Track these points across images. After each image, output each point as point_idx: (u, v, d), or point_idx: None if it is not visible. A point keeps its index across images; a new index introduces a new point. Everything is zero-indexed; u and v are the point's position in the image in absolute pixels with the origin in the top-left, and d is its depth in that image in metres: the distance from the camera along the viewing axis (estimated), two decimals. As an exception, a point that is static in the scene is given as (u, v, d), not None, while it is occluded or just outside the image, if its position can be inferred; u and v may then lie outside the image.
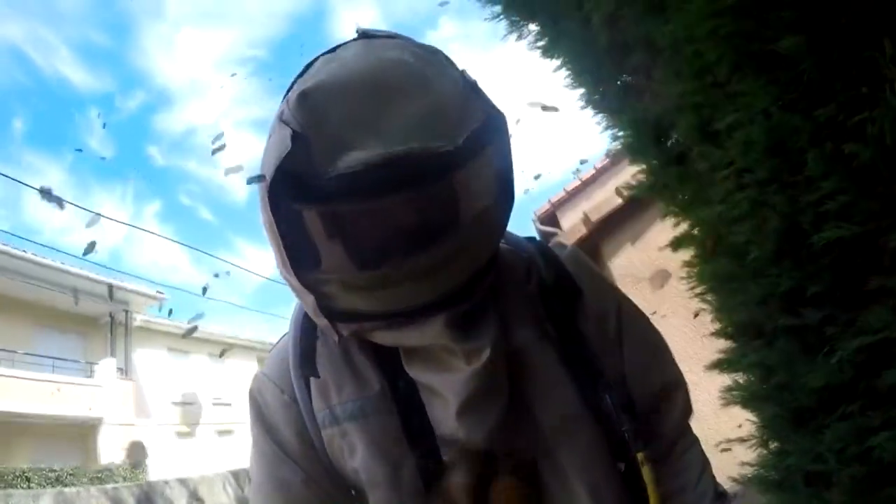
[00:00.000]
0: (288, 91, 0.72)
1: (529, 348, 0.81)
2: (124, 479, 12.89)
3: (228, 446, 17.90)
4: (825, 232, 1.02)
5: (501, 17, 2.95)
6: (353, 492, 0.85)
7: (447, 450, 0.78)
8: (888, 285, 0.96)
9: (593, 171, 4.56)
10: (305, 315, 0.86)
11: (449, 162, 0.66)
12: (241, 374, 20.43)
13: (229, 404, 19.08)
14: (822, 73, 0.90)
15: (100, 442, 15.05)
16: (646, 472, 0.81)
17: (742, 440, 1.76)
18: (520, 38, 3.01)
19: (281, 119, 0.67)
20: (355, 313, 0.76)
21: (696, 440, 0.94)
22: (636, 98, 2.12)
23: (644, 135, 2.14)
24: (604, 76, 2.27)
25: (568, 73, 2.71)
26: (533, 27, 2.87)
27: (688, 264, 1.98)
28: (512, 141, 0.76)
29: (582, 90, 2.70)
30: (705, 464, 0.92)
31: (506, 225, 0.81)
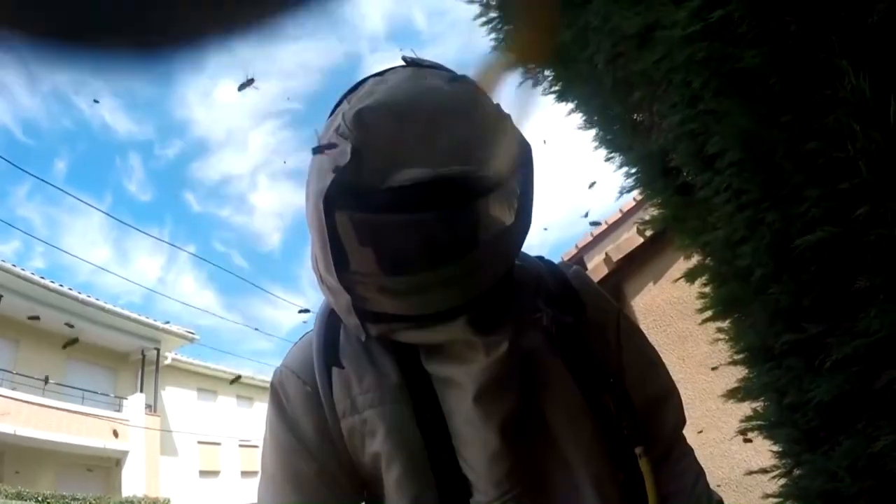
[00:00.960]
0: (336, 107, 0.83)
1: (538, 351, 0.87)
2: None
3: (252, 487, 17.90)
4: (806, 236, 1.04)
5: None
6: (364, 491, 0.90)
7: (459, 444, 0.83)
8: (876, 283, 0.97)
9: (619, 214, 4.58)
10: (330, 311, 0.92)
11: (485, 185, 0.75)
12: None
13: (256, 446, 19.29)
14: (786, 82, 0.94)
15: (123, 475, 15.25)
16: (643, 465, 0.87)
17: (765, 471, 1.72)
18: (535, 84, 3.13)
19: (338, 132, 0.75)
20: (385, 315, 0.83)
21: (691, 450, 0.98)
22: (644, 134, 2.18)
23: (652, 168, 2.19)
24: (613, 115, 2.34)
25: (581, 115, 2.80)
26: (547, 72, 2.98)
27: (701, 294, 1.99)
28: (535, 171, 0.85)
29: (594, 131, 2.78)
30: (700, 472, 0.96)
31: (522, 242, 0.88)
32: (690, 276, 2.10)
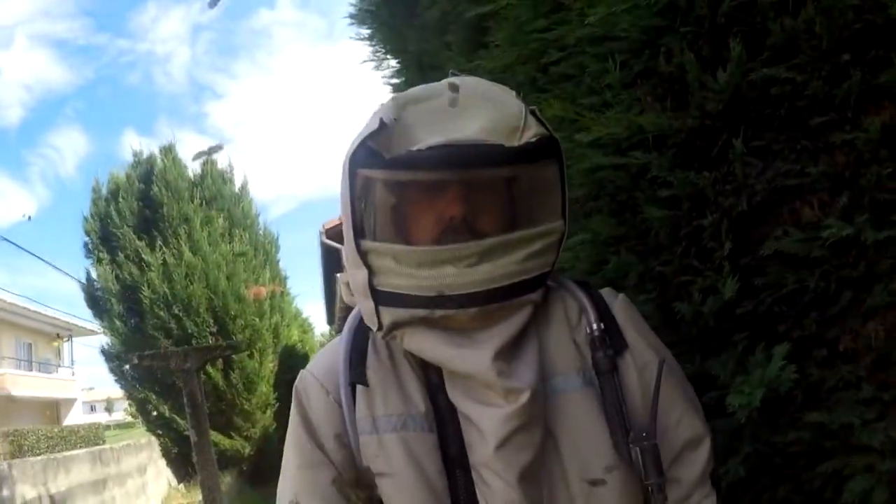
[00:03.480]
0: None
1: (570, 395, 0.86)
2: None
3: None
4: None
5: (367, 41, 3.02)
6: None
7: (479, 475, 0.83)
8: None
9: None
10: (360, 323, 0.92)
11: (501, 158, 0.80)
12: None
13: None
14: (668, 236, 1.16)
15: None
16: None
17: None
18: (378, 68, 3.11)
19: (376, 112, 0.84)
20: (399, 297, 0.81)
21: (713, 492, 0.93)
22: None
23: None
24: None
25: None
26: (393, 63, 2.99)
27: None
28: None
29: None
30: None
31: (557, 248, 0.87)
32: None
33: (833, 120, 1.01)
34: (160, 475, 16.58)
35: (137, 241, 14.11)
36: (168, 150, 15.74)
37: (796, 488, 1.14)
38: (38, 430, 15.50)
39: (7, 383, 19.24)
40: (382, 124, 0.80)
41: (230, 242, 15.17)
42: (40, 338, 23.45)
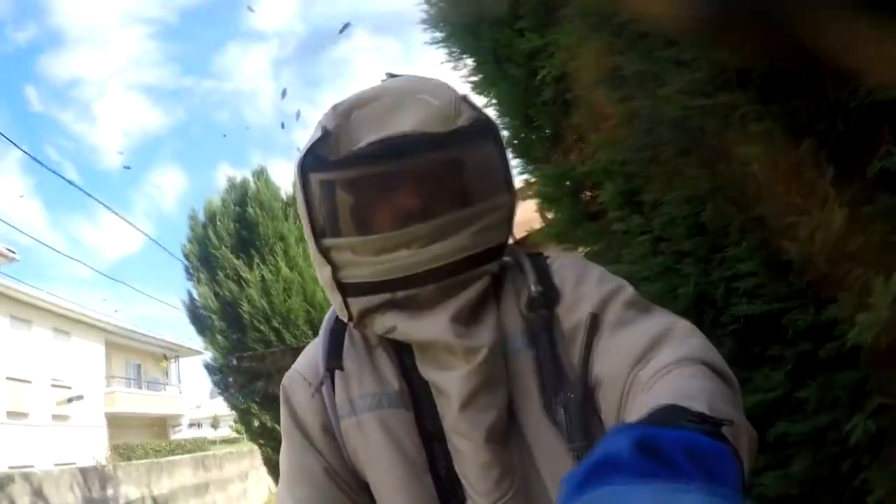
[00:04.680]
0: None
1: (518, 358, 0.87)
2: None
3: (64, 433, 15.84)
4: (737, 307, 1.24)
5: (441, 44, 3.09)
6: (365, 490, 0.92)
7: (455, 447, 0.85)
8: (785, 354, 1.18)
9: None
10: (336, 318, 0.96)
11: (437, 143, 0.85)
12: (86, 355, 18.50)
13: (70, 387, 17.18)
14: (766, 175, 1.11)
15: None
16: None
17: None
18: (455, 68, 3.16)
19: (319, 121, 0.90)
20: (362, 286, 0.86)
21: (704, 368, 0.72)
22: (563, 152, 2.33)
23: (561, 187, 2.36)
24: (536, 126, 2.46)
25: (496, 113, 2.89)
26: (469, 62, 3.03)
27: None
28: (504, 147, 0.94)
29: (504, 133, 2.89)
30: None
31: (508, 221, 0.91)
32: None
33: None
34: (261, 481, 17.29)
35: (235, 260, 14.89)
36: (260, 174, 16.56)
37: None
38: (147, 444, 16.57)
39: (117, 401, 20.62)
40: (326, 132, 0.87)
41: (325, 256, 15.73)
42: (148, 358, 25.04)
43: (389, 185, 0.87)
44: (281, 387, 0.99)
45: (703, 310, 1.39)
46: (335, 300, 0.90)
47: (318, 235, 0.87)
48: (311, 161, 0.87)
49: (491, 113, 2.92)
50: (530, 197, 2.73)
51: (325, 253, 0.87)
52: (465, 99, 0.90)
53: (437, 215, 0.85)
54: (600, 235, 1.95)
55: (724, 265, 1.31)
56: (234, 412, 16.58)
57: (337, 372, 0.92)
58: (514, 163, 2.97)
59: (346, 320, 0.91)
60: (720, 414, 0.55)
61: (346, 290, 0.88)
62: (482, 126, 0.90)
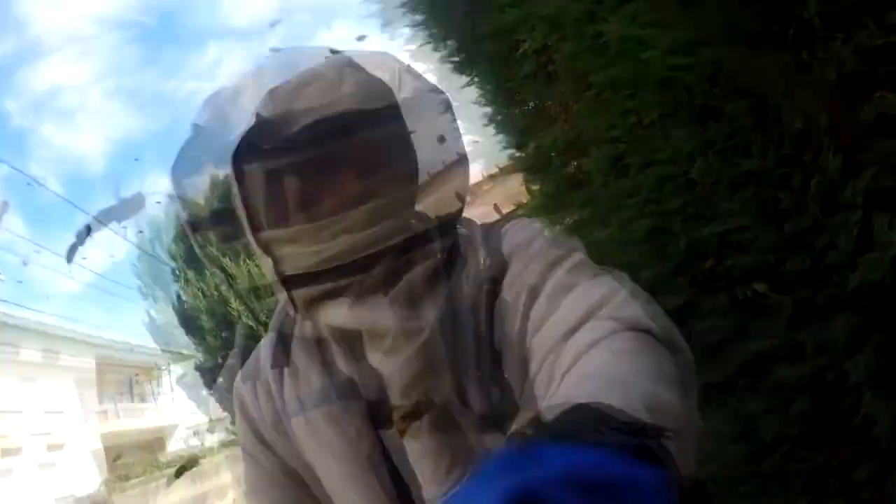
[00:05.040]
0: None
1: (462, 336, 0.82)
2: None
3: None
4: (731, 259, 1.26)
5: (421, 26, 3.07)
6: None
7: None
8: (781, 303, 1.21)
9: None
10: (284, 314, 0.92)
11: (379, 119, 0.81)
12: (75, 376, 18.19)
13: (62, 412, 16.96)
14: (757, 129, 1.13)
15: None
16: None
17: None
18: (435, 49, 3.15)
19: (254, 109, 0.85)
20: (305, 277, 0.82)
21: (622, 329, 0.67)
22: (548, 123, 2.34)
23: (545, 157, 2.37)
24: (518, 99, 2.46)
25: (479, 91, 2.89)
26: (450, 43, 3.02)
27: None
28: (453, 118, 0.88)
29: (488, 109, 2.89)
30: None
31: (456, 193, 0.85)
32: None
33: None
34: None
35: (221, 258, 14.79)
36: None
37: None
38: (144, 461, 16.56)
39: (110, 416, 20.41)
40: (261, 119, 0.82)
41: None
42: (140, 369, 24.81)
43: (328, 168, 0.82)
44: (233, 391, 0.95)
45: (695, 264, 1.41)
46: (280, 294, 0.86)
47: (255, 229, 0.84)
48: (246, 151, 0.83)
49: (472, 92, 2.93)
50: (516, 171, 2.74)
51: (264, 247, 0.84)
52: (408, 69, 0.87)
53: (380, 195, 0.80)
54: (587, 204, 1.97)
55: (715, 221, 1.33)
56: (227, 413, 16.52)
57: (286, 370, 0.89)
58: (498, 139, 2.98)
59: (292, 313, 0.88)
60: (661, 407, 0.51)
61: (289, 281, 0.83)
62: (426, 96, 0.87)
